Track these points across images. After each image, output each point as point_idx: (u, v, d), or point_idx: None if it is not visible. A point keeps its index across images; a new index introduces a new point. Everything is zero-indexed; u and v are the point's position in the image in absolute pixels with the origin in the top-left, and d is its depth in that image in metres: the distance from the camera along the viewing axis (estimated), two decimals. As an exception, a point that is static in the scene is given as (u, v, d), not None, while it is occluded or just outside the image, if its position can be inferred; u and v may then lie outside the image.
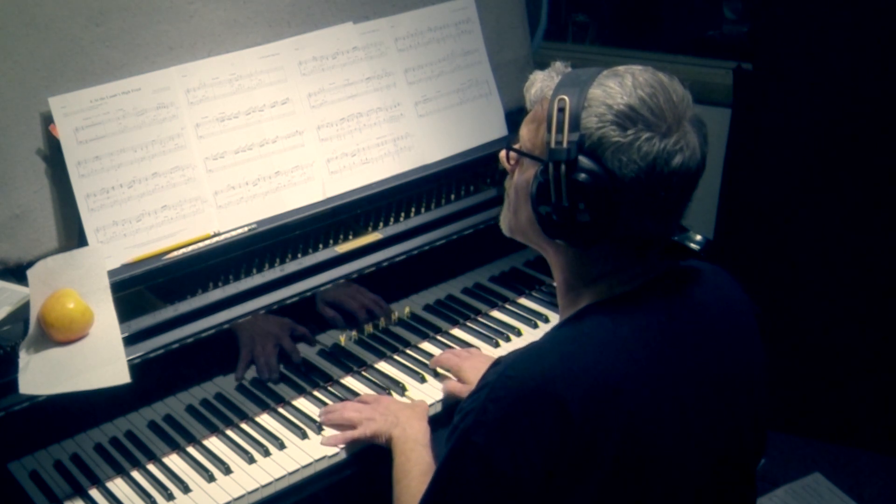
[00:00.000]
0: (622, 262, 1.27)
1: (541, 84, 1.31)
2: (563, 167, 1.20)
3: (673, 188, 1.20)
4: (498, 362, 1.25)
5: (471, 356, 1.81)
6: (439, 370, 1.82)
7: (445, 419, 1.73)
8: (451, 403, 1.75)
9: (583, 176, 1.19)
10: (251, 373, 1.75)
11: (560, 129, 1.21)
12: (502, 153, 1.37)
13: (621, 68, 1.25)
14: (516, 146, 1.34)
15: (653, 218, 1.22)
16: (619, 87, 1.21)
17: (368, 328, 1.89)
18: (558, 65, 1.33)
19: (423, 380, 1.82)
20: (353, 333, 1.87)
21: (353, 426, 1.64)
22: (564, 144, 1.20)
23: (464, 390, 1.71)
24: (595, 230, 1.22)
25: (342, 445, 1.64)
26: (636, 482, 1.18)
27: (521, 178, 1.32)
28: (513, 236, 1.40)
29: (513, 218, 1.37)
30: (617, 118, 1.18)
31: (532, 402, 1.16)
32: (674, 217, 1.25)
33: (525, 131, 1.32)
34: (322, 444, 1.65)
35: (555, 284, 1.38)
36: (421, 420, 1.61)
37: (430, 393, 1.79)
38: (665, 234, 1.27)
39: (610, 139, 1.18)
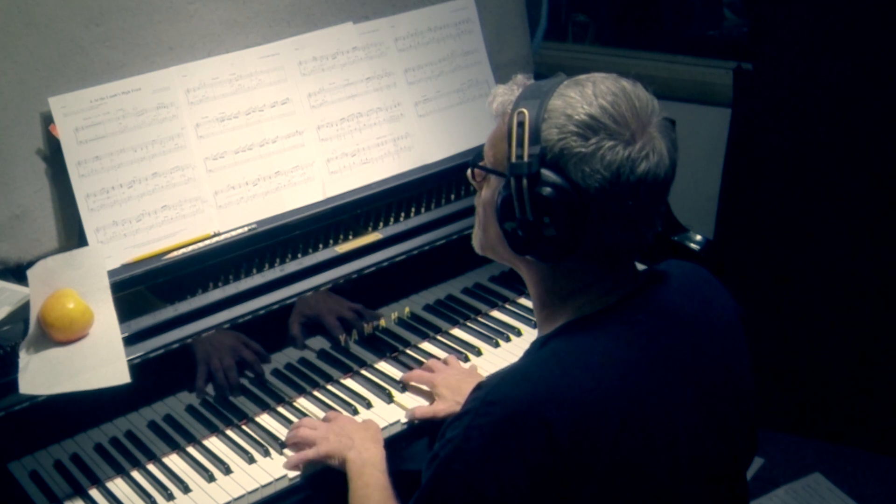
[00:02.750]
0: (597, 276, 1.25)
1: (501, 98, 1.28)
2: (524, 181, 1.17)
3: (641, 196, 1.17)
4: (479, 387, 1.23)
5: (444, 369, 1.78)
6: (413, 383, 1.80)
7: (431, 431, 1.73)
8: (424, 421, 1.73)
9: (546, 189, 1.16)
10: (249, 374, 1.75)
11: (520, 143, 1.18)
12: (468, 171, 1.34)
13: (583, 77, 1.22)
14: (482, 163, 1.31)
15: (623, 228, 1.19)
16: (579, 96, 1.18)
17: (368, 328, 1.89)
18: (520, 77, 1.30)
19: (423, 380, 1.82)
20: (354, 333, 1.87)
21: (309, 445, 1.61)
22: (525, 158, 1.17)
23: (437, 411, 1.69)
24: (563, 244, 1.19)
25: (300, 465, 1.60)
26: (627, 497, 1.18)
27: (487, 194, 1.30)
28: (484, 254, 1.37)
29: (482, 235, 1.35)
30: (578, 128, 1.16)
31: (517, 426, 1.14)
32: (645, 226, 1.22)
33: (488, 147, 1.29)
34: (283, 466, 1.62)
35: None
36: (377, 444, 1.58)
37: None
38: (638, 243, 1.23)
39: (572, 150, 1.16)
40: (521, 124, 1.19)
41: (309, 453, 1.60)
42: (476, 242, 1.38)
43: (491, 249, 1.35)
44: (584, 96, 1.18)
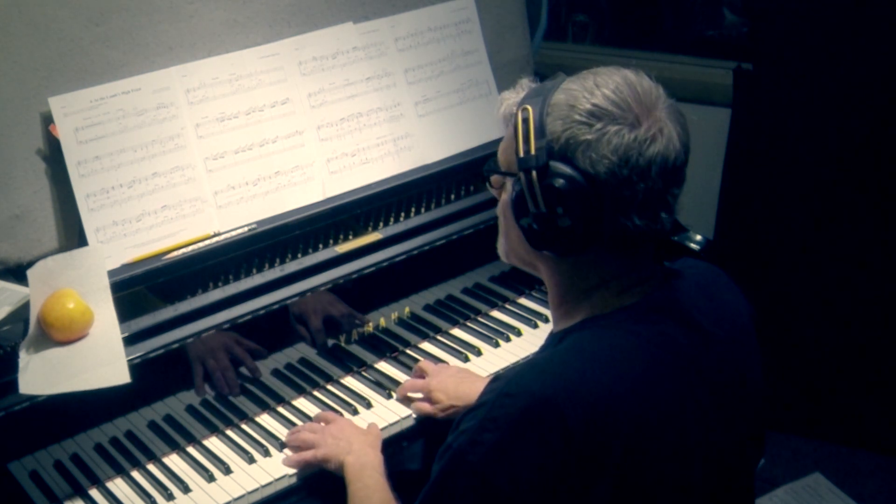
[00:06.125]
0: (615, 271, 1.25)
1: (508, 102, 1.30)
2: (534, 174, 1.18)
3: (653, 179, 1.17)
4: (496, 379, 1.23)
5: (437, 372, 1.77)
6: (410, 395, 1.78)
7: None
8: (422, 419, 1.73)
9: (556, 180, 1.17)
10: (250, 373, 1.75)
11: (527, 139, 1.20)
12: (486, 182, 1.35)
13: (584, 72, 1.24)
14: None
15: (639, 214, 1.19)
16: (581, 88, 1.20)
17: (368, 328, 1.89)
18: (524, 81, 1.32)
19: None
20: (354, 333, 1.87)
21: (308, 447, 1.61)
22: (532, 152, 1.19)
23: (434, 412, 1.70)
24: (579, 234, 1.20)
25: (297, 467, 1.61)
26: (637, 495, 1.18)
27: (505, 198, 1.31)
28: (509, 261, 1.38)
29: (505, 241, 1.35)
30: (582, 117, 1.17)
31: (532, 419, 1.14)
32: (660, 210, 1.21)
33: (500, 152, 1.31)
34: (282, 464, 1.62)
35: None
36: (375, 448, 1.58)
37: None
38: (655, 230, 1.22)
39: (578, 139, 1.17)
40: (525, 120, 1.20)
41: (307, 455, 1.60)
42: (500, 250, 1.38)
43: (514, 253, 1.35)
44: (586, 88, 1.20)
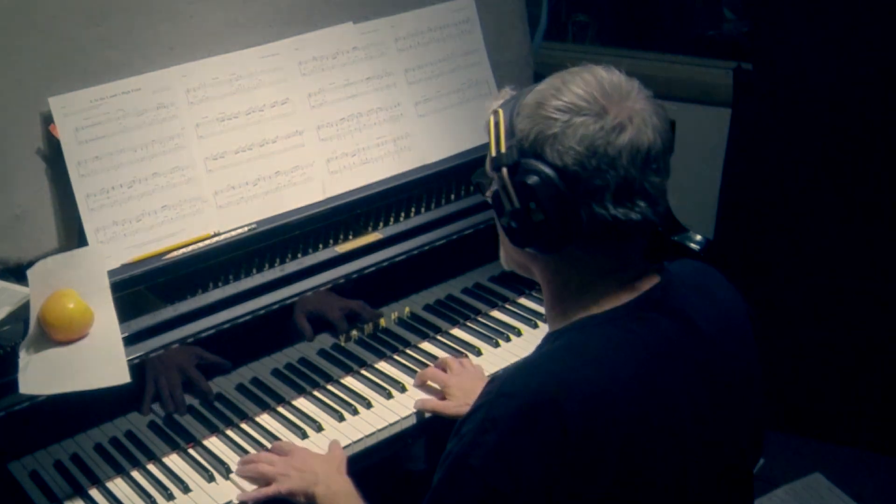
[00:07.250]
0: (605, 267, 1.25)
1: (489, 111, 1.31)
2: (505, 171, 1.21)
3: (624, 166, 1.17)
4: (493, 380, 1.24)
5: (460, 371, 1.78)
6: (429, 383, 1.80)
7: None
8: (429, 418, 1.74)
9: (529, 177, 1.19)
10: (249, 373, 1.75)
11: (498, 140, 1.23)
12: (481, 190, 1.36)
13: (557, 73, 1.26)
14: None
15: (613, 202, 1.18)
16: (549, 87, 1.22)
17: (368, 328, 1.89)
18: (506, 90, 1.34)
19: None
20: (354, 333, 1.87)
21: (267, 481, 1.56)
22: (503, 150, 1.22)
23: (448, 407, 1.71)
24: (556, 227, 1.20)
25: (256, 502, 1.56)
26: (636, 493, 1.18)
27: None
28: (508, 267, 1.39)
29: (502, 248, 1.37)
30: (548, 113, 1.19)
31: (531, 418, 1.15)
32: (637, 199, 1.20)
33: (486, 161, 1.32)
34: (236, 499, 1.57)
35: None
36: (342, 474, 1.56)
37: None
38: (639, 221, 1.20)
39: (545, 133, 1.19)
40: (497, 123, 1.24)
41: (269, 490, 1.55)
42: (501, 258, 1.40)
43: (511, 260, 1.36)
44: (554, 86, 1.22)
